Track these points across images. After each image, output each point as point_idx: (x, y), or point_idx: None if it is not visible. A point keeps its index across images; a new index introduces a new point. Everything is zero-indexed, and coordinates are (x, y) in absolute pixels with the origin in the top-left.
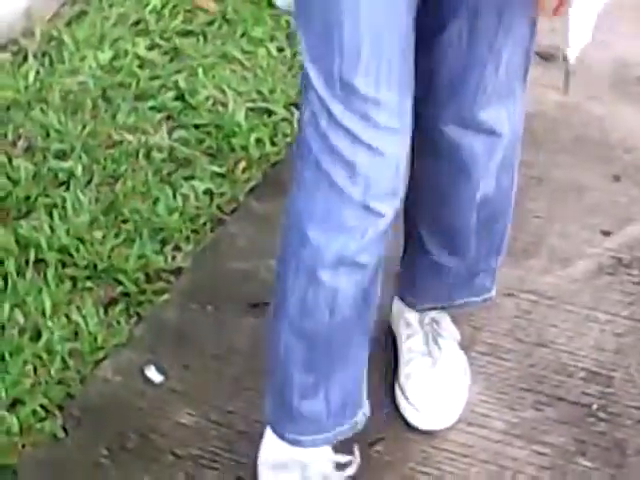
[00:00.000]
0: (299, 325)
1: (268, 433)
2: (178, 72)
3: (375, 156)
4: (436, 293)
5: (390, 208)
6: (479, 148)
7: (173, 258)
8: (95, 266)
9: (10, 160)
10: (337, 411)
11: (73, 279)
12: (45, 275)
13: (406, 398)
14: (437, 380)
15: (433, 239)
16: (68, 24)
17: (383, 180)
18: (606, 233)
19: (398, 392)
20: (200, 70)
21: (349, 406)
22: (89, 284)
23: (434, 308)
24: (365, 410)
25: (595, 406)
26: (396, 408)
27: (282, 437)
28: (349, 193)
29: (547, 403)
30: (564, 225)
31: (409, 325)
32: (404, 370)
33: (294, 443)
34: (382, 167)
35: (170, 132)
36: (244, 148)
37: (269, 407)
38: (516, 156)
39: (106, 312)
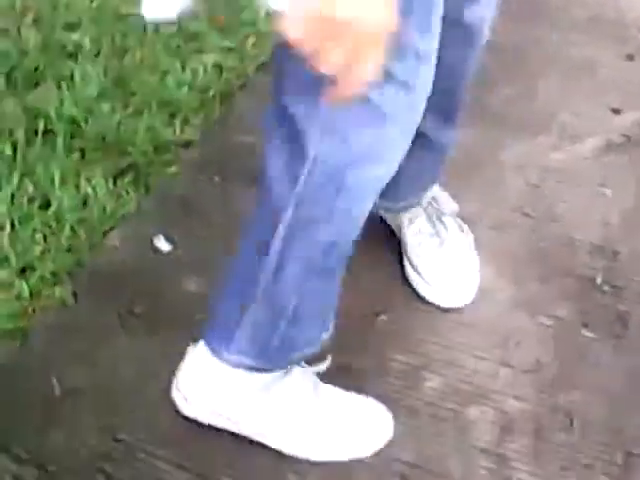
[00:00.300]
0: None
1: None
2: None
3: None
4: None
5: None
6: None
7: (182, 131)
8: (104, 137)
9: (19, 31)
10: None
11: (82, 150)
12: (54, 146)
13: (420, 276)
14: (449, 259)
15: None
16: None
17: None
18: (616, 111)
19: (409, 269)
20: None
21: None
22: (98, 155)
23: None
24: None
25: (599, 279)
26: (402, 282)
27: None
28: None
29: (552, 276)
30: (575, 102)
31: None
32: (414, 251)
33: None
34: None
35: None
36: (253, 23)
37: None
38: None
39: (115, 183)
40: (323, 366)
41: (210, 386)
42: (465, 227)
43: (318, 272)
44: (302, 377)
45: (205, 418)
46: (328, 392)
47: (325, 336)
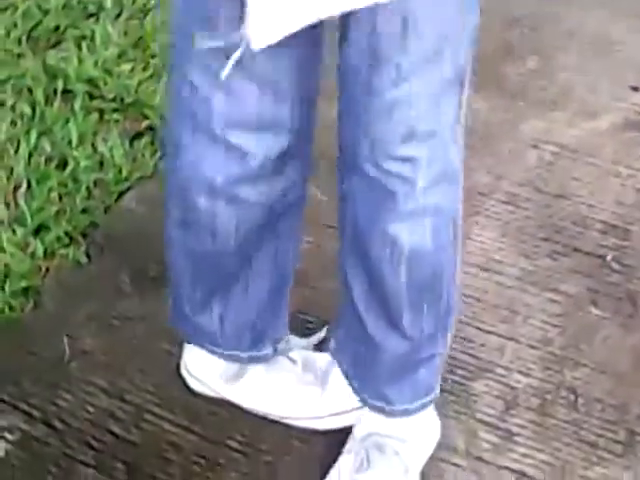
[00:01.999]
0: (183, 240)
1: None
2: None
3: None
4: (375, 386)
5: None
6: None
7: None
8: (122, 99)
9: None
10: (231, 336)
11: (100, 111)
12: (72, 106)
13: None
14: None
15: (368, 305)
16: None
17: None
18: (635, 89)
19: None
20: None
21: (246, 337)
22: (116, 116)
23: (380, 410)
24: (282, 343)
25: (610, 257)
26: None
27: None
28: None
29: (563, 253)
30: (593, 79)
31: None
32: None
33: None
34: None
35: None
36: None
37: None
38: (458, 202)
39: (132, 145)
40: (315, 339)
41: (207, 368)
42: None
43: None
44: (283, 359)
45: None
46: (322, 363)
47: None
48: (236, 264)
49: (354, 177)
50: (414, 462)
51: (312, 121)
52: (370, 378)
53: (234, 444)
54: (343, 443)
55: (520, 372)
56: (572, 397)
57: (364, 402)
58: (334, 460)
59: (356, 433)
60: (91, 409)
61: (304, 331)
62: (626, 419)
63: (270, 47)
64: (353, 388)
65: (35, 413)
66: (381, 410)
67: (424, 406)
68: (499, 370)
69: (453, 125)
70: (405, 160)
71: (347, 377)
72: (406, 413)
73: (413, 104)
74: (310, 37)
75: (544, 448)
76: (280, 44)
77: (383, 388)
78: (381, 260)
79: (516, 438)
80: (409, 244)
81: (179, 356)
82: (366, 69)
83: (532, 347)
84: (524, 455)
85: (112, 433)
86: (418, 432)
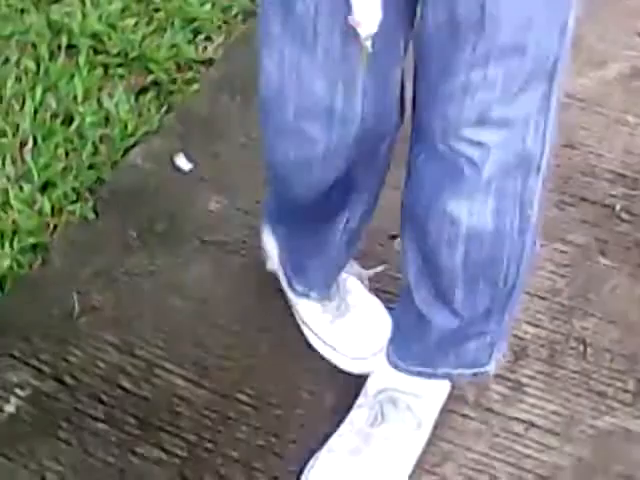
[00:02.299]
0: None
1: None
2: None
3: None
4: (420, 354)
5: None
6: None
7: (204, 49)
8: (127, 54)
9: None
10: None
11: (105, 66)
12: (77, 61)
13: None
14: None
15: (419, 279)
16: None
17: None
18: None
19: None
20: None
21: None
22: (120, 71)
23: (419, 374)
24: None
25: (618, 207)
26: None
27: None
28: None
29: (571, 203)
30: (602, 27)
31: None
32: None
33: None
34: None
35: None
36: None
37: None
38: (532, 190)
39: (137, 100)
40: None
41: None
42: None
43: None
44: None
45: None
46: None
47: None
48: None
49: (423, 153)
50: (427, 417)
51: None
52: (414, 346)
53: (244, 398)
54: (352, 396)
55: (529, 323)
56: (581, 347)
57: (399, 366)
58: (344, 413)
59: (369, 388)
60: (101, 364)
61: None
62: (635, 368)
63: None
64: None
65: (45, 369)
66: (419, 374)
67: (465, 377)
68: None
69: (535, 117)
70: (474, 144)
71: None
72: (447, 376)
73: (487, 89)
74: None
75: (553, 398)
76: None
77: (430, 356)
78: (439, 238)
79: (525, 389)
80: (468, 224)
81: (188, 310)
82: (443, 49)
83: (541, 298)
84: (533, 405)
85: (122, 388)
86: (431, 387)
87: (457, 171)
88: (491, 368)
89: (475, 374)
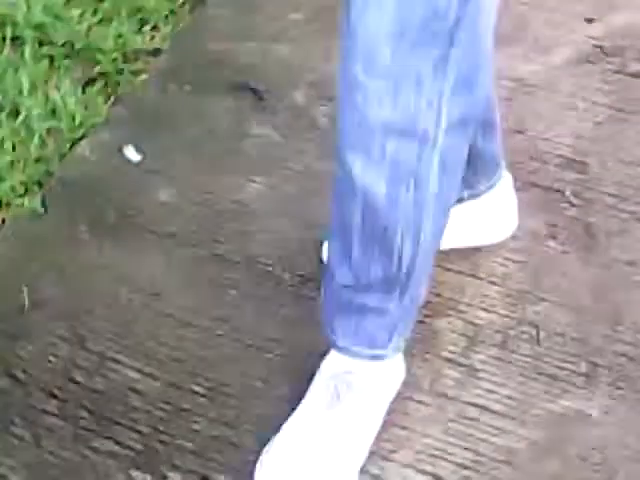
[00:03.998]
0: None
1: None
2: None
3: None
4: (328, 317)
5: None
6: None
7: (151, 38)
8: (73, 45)
9: None
10: None
11: (51, 57)
12: (22, 53)
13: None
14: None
15: (334, 230)
16: None
17: None
18: (589, 20)
19: None
20: None
21: None
22: (67, 63)
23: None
24: None
25: (568, 192)
26: None
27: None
28: None
29: (521, 188)
30: (548, 12)
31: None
32: None
33: None
34: None
35: None
36: None
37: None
38: (427, 164)
39: (84, 91)
40: None
41: None
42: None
43: None
44: None
45: None
46: None
47: None
48: None
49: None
50: (381, 400)
51: None
52: (324, 308)
53: (198, 389)
54: (306, 384)
55: (482, 309)
56: (534, 332)
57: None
58: (299, 401)
59: (323, 370)
60: (53, 359)
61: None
62: (587, 351)
63: None
64: None
65: None
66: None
67: (363, 356)
68: (461, 307)
69: (428, 82)
70: (360, 86)
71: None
72: (345, 351)
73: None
74: None
75: (507, 383)
76: None
77: (332, 318)
78: (344, 191)
79: (479, 374)
80: (362, 182)
81: (140, 302)
82: None
83: (493, 283)
84: (488, 390)
85: (75, 382)
86: (385, 371)
87: (354, 119)
88: (389, 353)
89: (373, 356)
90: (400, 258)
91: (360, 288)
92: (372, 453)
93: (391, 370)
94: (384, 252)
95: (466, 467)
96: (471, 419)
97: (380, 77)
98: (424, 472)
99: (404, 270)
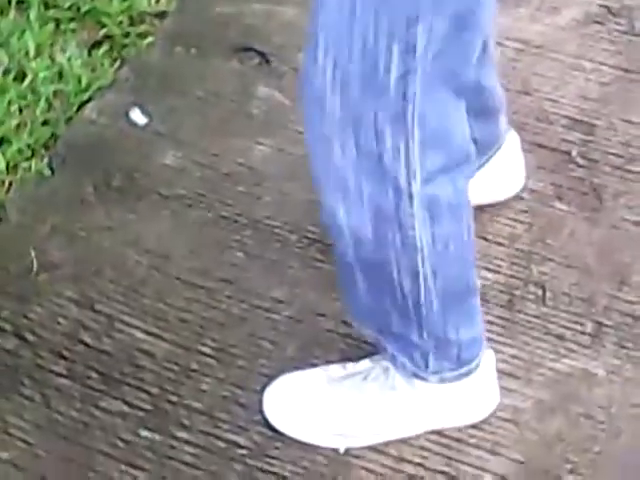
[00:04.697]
0: None
1: None
2: None
3: None
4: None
5: None
6: None
7: (157, 1)
8: (78, 8)
9: None
10: None
11: (56, 20)
12: (28, 16)
13: None
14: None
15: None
16: None
17: None
18: None
19: None
20: None
21: None
22: (73, 26)
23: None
24: None
25: (575, 152)
26: None
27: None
28: None
29: (527, 150)
30: None
31: None
32: None
33: None
34: None
35: None
36: None
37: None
38: (407, 214)
39: (90, 54)
40: None
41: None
42: None
43: None
44: None
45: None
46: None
47: None
48: None
49: None
50: (419, 418)
51: None
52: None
53: (206, 350)
54: (314, 345)
55: (488, 269)
56: (540, 292)
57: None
58: (306, 362)
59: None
60: (62, 320)
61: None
62: (593, 311)
63: None
64: None
65: (6, 326)
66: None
67: (406, 369)
68: None
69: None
70: None
71: None
72: (391, 359)
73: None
74: None
75: (513, 343)
76: None
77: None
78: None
79: (486, 334)
80: (347, 223)
81: (147, 264)
82: None
83: (499, 244)
84: (494, 350)
85: (84, 343)
86: (430, 393)
87: (325, 165)
88: (430, 377)
89: (414, 373)
90: (402, 291)
91: (379, 316)
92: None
93: (439, 398)
94: (387, 282)
95: (472, 426)
96: None
97: (336, 125)
98: (431, 431)
99: (411, 304)
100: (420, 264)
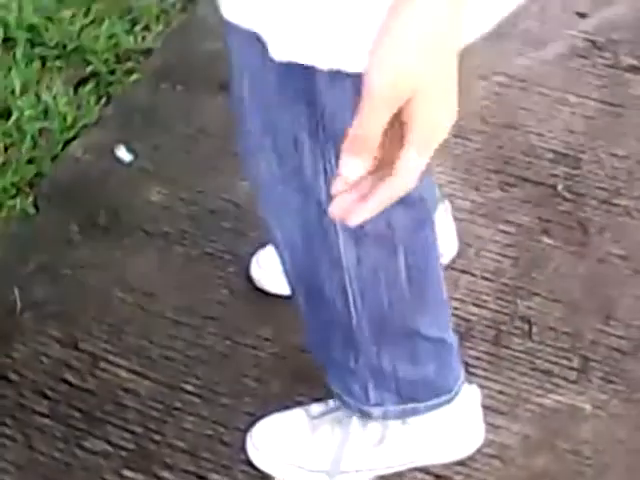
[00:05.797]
0: None
1: None
2: None
3: None
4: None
5: None
6: None
7: (143, 38)
8: (64, 46)
9: None
10: None
11: (42, 58)
12: (14, 54)
13: None
14: None
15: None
16: None
17: None
18: (582, 15)
19: None
20: None
21: None
22: (58, 63)
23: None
24: None
25: (561, 186)
26: None
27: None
28: None
29: (513, 183)
30: (540, 7)
31: None
32: None
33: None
34: None
35: None
36: None
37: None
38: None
39: (76, 92)
40: None
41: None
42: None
43: None
44: None
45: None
46: None
47: None
48: None
49: None
50: (392, 434)
51: None
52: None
53: (190, 388)
54: (298, 383)
55: (474, 304)
56: (526, 327)
57: None
58: (290, 400)
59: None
60: (45, 359)
61: None
62: (579, 346)
63: None
64: None
65: None
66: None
67: (352, 407)
68: (454, 303)
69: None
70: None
71: None
72: (339, 397)
73: None
74: None
75: (499, 378)
76: None
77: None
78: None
79: (472, 369)
80: (282, 235)
81: (132, 302)
82: None
83: (485, 279)
84: (480, 386)
85: (67, 382)
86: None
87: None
88: (375, 412)
89: (360, 410)
90: (336, 309)
91: (317, 331)
92: None
93: (413, 434)
94: (322, 300)
95: (458, 462)
96: None
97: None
98: (417, 468)
99: (344, 324)
100: (348, 283)
